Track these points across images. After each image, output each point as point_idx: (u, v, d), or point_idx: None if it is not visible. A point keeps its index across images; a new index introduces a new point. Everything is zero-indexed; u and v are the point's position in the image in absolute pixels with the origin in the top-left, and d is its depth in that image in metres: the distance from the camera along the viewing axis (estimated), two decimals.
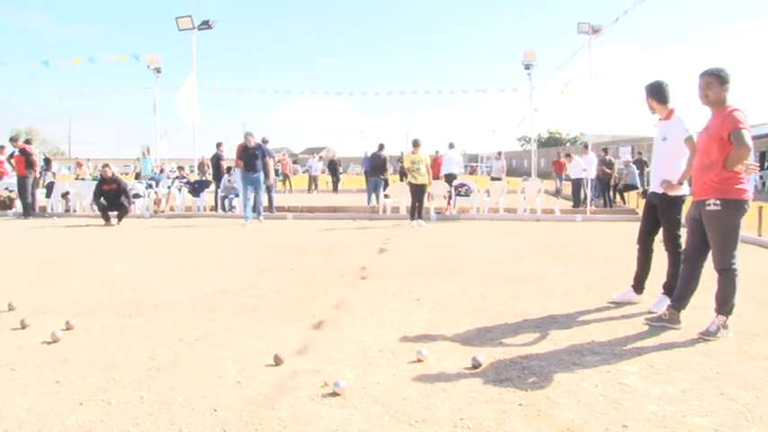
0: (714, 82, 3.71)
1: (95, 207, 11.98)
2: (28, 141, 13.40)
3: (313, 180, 26.07)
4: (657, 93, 4.35)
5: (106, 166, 11.96)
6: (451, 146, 15.19)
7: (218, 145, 17.10)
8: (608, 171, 15.20)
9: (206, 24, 14.58)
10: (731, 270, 3.68)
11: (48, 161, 23.12)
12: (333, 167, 25.26)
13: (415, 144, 11.23)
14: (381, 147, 15.61)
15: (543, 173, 36.18)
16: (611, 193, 15.89)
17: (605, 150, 16.98)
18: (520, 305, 4.57)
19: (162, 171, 16.47)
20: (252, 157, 10.87)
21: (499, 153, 19.52)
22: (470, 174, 52.64)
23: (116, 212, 11.33)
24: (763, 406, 2.68)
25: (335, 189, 24.50)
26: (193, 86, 14.36)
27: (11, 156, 13.53)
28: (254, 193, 11.03)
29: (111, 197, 11.32)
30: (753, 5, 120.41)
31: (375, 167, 15.38)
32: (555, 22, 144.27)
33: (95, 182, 12.48)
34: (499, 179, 17.39)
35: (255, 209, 11.10)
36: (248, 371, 3.12)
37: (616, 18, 12.26)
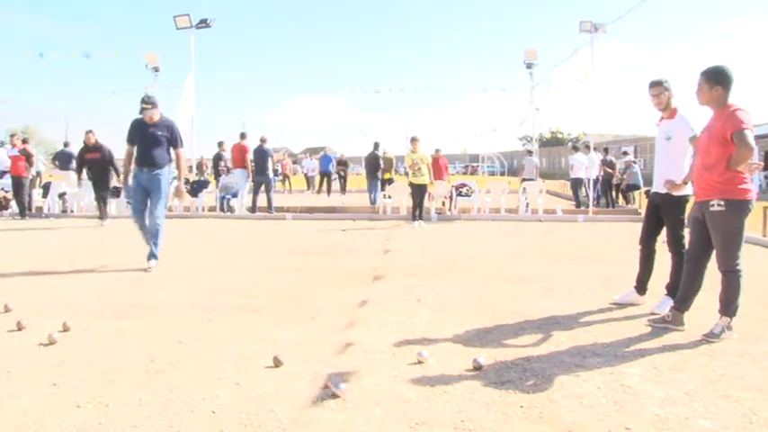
0: (703, 83, 3.69)
1: (96, 202, 11.27)
2: (25, 141, 13.35)
3: (309, 180, 25.96)
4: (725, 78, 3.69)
5: (90, 132, 10.68)
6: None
7: (220, 144, 17.10)
8: (610, 171, 15.20)
9: (204, 23, 14.56)
10: (735, 271, 3.65)
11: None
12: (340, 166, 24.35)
13: (414, 140, 11.11)
14: (376, 146, 15.56)
15: (545, 173, 36.11)
16: (614, 194, 15.87)
17: (606, 150, 16.96)
18: (521, 306, 4.54)
19: None
20: (151, 141, 6.14)
21: (530, 152, 17.68)
22: (471, 174, 52.61)
23: (102, 194, 10.56)
24: None
25: (343, 190, 22.22)
26: (189, 88, 14.31)
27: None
28: (152, 207, 6.18)
29: (95, 168, 10.37)
30: (749, 2, 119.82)
31: (370, 168, 15.38)
32: (557, 20, 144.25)
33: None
34: (531, 180, 14.98)
35: (152, 239, 6.21)
36: (247, 372, 3.09)
37: (619, 16, 12.21)
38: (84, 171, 11.01)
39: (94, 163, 10.52)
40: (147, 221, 6.19)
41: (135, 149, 6.25)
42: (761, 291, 4.96)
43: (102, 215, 11.01)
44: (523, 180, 15.02)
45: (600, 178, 14.92)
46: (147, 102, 6.15)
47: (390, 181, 15.05)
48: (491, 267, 6.33)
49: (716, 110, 3.71)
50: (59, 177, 13.99)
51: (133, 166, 6.32)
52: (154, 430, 2.44)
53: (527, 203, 13.20)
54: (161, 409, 2.64)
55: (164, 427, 2.46)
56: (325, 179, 21.62)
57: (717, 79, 3.64)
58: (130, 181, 6.55)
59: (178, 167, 6.48)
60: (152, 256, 6.28)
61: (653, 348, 3.52)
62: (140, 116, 6.17)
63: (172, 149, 6.35)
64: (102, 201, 10.95)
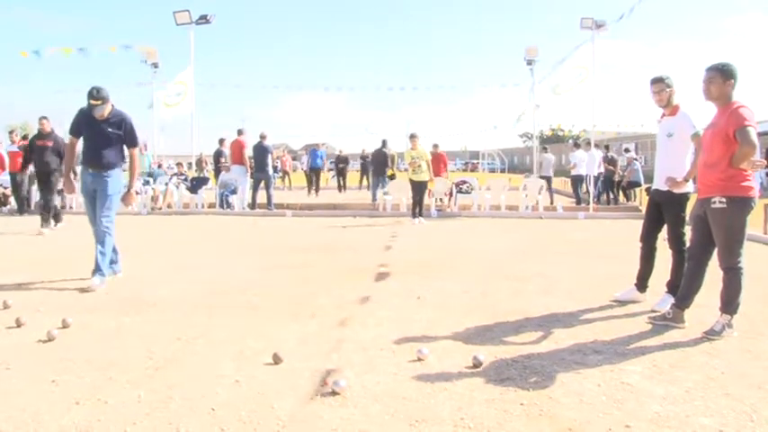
0: (717, 77, 3.66)
1: (18, 204, 9.76)
2: (25, 137, 13.31)
3: (308, 177, 25.72)
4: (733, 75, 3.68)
5: (44, 118, 9.47)
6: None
7: (221, 141, 17.08)
8: (611, 168, 15.18)
9: (204, 19, 14.51)
10: (737, 269, 3.63)
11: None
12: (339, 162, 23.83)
13: (413, 138, 11.07)
14: (384, 143, 15.60)
15: None
16: (615, 191, 15.86)
17: (607, 147, 16.93)
18: (521, 303, 4.53)
19: (160, 167, 16.39)
20: (101, 139, 5.15)
21: (545, 148, 17.34)
22: (471, 170, 52.56)
23: (48, 198, 9.22)
24: None
25: (341, 188, 21.53)
26: (185, 82, 14.25)
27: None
28: (98, 209, 5.20)
29: (42, 158, 9.15)
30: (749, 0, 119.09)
31: (377, 165, 15.35)
32: (558, 17, 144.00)
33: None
34: (549, 176, 15.27)
35: (98, 247, 5.20)
36: (247, 370, 3.08)
37: (621, 15, 12.15)
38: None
39: (42, 150, 9.33)
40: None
41: (82, 145, 5.27)
42: (762, 288, 4.94)
43: (44, 221, 9.39)
44: (541, 177, 15.03)
45: (601, 176, 14.91)
46: (97, 97, 4.98)
47: (393, 177, 15.04)
48: (491, 265, 6.31)
49: (720, 106, 3.69)
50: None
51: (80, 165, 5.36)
52: (153, 427, 2.43)
53: (535, 202, 13.13)
54: (160, 406, 2.63)
55: (163, 425, 2.45)
56: (314, 176, 20.20)
57: (731, 74, 3.63)
58: (77, 184, 5.65)
59: (131, 169, 5.37)
60: (97, 270, 5.11)
61: (653, 346, 3.51)
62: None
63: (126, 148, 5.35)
64: (47, 205, 9.48)
